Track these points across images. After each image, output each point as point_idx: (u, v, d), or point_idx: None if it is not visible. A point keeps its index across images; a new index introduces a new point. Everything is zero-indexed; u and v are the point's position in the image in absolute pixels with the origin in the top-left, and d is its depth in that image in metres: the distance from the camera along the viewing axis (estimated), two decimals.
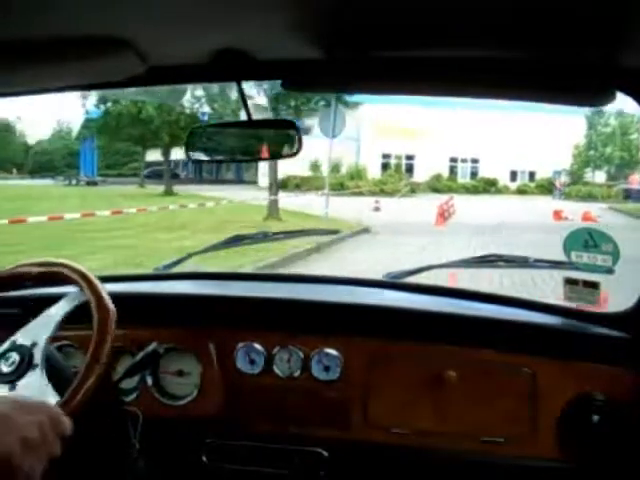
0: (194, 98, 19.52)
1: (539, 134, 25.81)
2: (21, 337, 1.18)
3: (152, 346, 1.32)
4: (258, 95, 14.69)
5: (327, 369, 1.45)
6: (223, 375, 1.48)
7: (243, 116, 1.37)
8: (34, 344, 1.16)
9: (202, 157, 1.44)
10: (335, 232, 2.23)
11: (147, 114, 19.72)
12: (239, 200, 13.82)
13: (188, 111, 20.17)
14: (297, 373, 1.47)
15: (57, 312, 1.22)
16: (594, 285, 1.42)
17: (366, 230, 11.60)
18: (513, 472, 1.40)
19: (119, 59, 1.11)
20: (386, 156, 27.70)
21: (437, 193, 22.91)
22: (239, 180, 28.38)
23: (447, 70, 1.18)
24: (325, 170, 21.82)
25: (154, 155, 25.77)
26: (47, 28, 0.99)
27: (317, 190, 17.56)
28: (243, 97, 1.31)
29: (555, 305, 1.53)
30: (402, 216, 13.73)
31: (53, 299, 1.58)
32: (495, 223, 12.11)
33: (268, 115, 14.00)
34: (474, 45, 1.12)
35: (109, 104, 21.07)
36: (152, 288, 1.71)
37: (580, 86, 1.14)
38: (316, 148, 21.19)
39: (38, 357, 1.15)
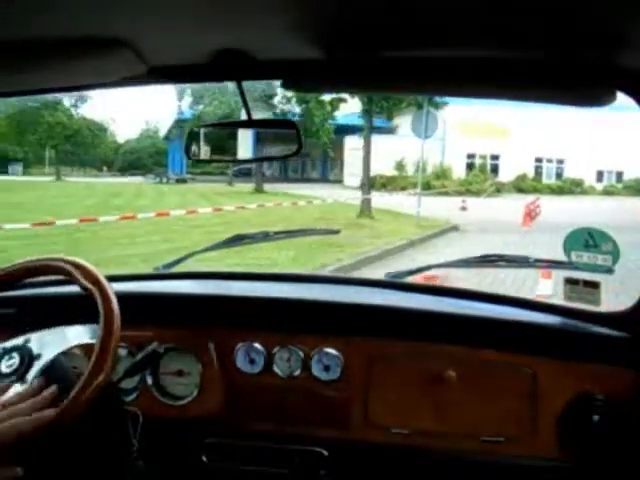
0: (284, 98, 20.24)
1: (626, 133, 24.69)
2: (31, 342, 1.17)
3: (152, 346, 1.32)
4: (352, 98, 15.29)
5: (327, 369, 1.45)
6: (223, 375, 1.48)
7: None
8: (39, 355, 1.16)
9: (202, 157, 1.44)
10: (336, 232, 2.21)
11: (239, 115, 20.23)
12: (331, 199, 14.30)
13: (279, 111, 20.81)
14: (297, 373, 1.47)
15: (74, 338, 1.20)
16: (594, 285, 1.42)
17: (455, 228, 11.92)
18: (513, 472, 1.40)
19: (119, 59, 1.11)
20: (471, 156, 27.50)
21: (522, 193, 22.62)
22: (324, 179, 28.45)
23: (447, 70, 1.18)
24: (410, 170, 22.00)
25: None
26: (47, 28, 0.99)
27: (402, 189, 18.05)
28: (243, 97, 1.31)
29: (555, 305, 1.53)
30: (488, 215, 13.92)
31: (53, 299, 1.59)
32: (582, 223, 12.05)
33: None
34: (474, 45, 1.12)
35: (201, 106, 21.59)
36: (152, 288, 1.71)
37: (580, 86, 1.14)
38: (402, 148, 21.23)
39: (35, 370, 1.15)
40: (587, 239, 1.42)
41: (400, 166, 23.53)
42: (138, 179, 26.51)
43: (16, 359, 1.15)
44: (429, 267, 1.77)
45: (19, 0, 0.87)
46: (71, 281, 1.23)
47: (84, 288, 1.19)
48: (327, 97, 19.08)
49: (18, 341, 1.18)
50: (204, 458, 1.48)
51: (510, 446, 1.38)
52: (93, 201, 15.85)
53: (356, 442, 1.45)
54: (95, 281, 1.20)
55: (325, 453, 1.43)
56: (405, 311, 1.51)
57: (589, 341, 1.43)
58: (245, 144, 1.39)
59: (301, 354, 1.46)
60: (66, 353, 1.42)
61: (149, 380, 1.49)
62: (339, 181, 25.28)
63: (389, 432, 1.42)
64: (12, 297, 1.45)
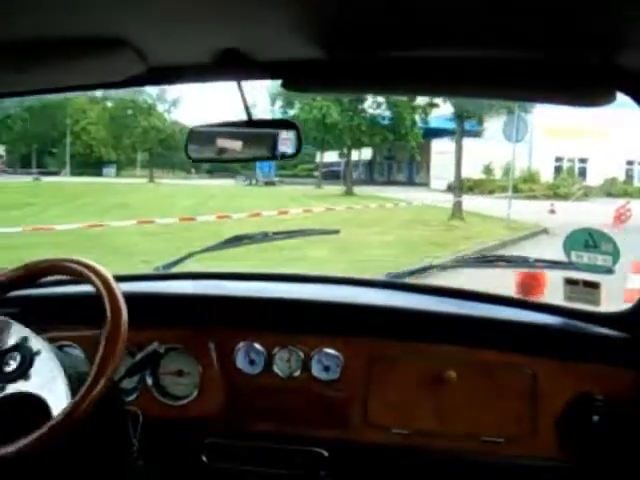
0: (374, 103, 20.59)
1: None
2: (30, 340, 1.18)
3: (152, 346, 1.32)
4: (444, 103, 15.51)
5: (327, 369, 1.45)
6: (223, 375, 1.48)
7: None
8: (39, 351, 1.16)
9: (202, 157, 1.44)
10: (336, 232, 2.21)
11: (332, 119, 20.69)
12: (418, 201, 14.49)
13: (369, 115, 21.20)
14: (297, 373, 1.47)
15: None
16: (594, 285, 1.42)
17: (545, 231, 11.93)
18: (513, 472, 1.40)
19: (119, 59, 1.11)
20: (559, 159, 26.73)
21: (611, 197, 21.65)
22: (410, 182, 28.49)
23: (447, 70, 1.18)
24: (497, 173, 21.96)
25: (326, 157, 26.56)
26: (48, 28, 0.99)
27: (490, 193, 17.99)
28: (243, 97, 1.31)
29: (555, 305, 1.53)
30: (577, 219, 13.80)
31: (54, 299, 1.59)
32: None
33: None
34: (474, 45, 1.12)
35: (292, 111, 22.02)
36: (152, 288, 1.71)
37: (580, 86, 1.14)
38: (488, 151, 21.11)
39: (37, 344, 1.16)
40: (587, 239, 1.42)
41: (488, 169, 23.27)
42: (228, 182, 26.79)
43: (17, 358, 1.15)
44: (430, 267, 1.77)
45: (19, 0, 0.87)
46: (73, 281, 1.24)
47: (96, 288, 1.20)
48: (420, 101, 19.39)
49: (17, 340, 1.18)
50: (204, 458, 1.48)
51: (510, 446, 1.38)
52: (192, 202, 15.99)
53: (356, 442, 1.45)
54: (105, 282, 1.20)
55: (325, 453, 1.43)
56: (405, 311, 1.51)
57: (589, 341, 1.43)
58: (246, 144, 1.38)
59: (301, 354, 1.46)
60: (66, 353, 1.42)
61: (149, 380, 1.49)
62: (425, 184, 25.06)
63: (389, 432, 1.42)
64: (15, 297, 1.45)
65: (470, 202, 14.68)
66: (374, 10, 0.96)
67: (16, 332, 1.20)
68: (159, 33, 1.07)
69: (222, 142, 1.41)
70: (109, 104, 28.60)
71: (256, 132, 1.37)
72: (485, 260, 1.72)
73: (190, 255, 1.88)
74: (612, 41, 1.03)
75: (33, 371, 1.14)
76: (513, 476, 1.41)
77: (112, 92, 25.92)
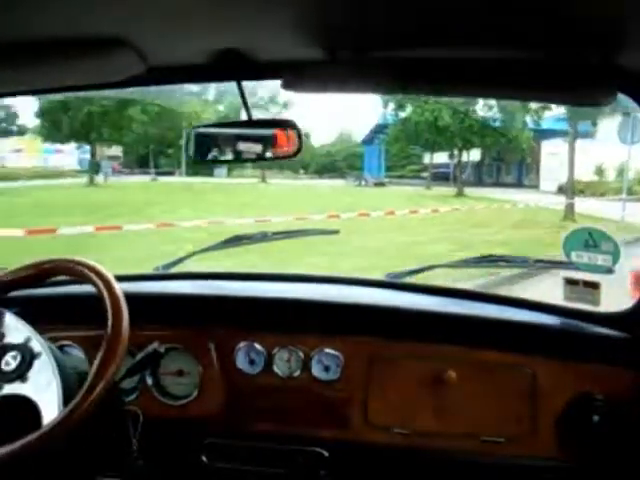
0: (485, 106, 20.57)
1: None
2: (32, 341, 1.18)
3: (152, 346, 1.32)
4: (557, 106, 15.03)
5: (327, 369, 1.45)
6: (223, 375, 1.48)
7: None
8: (39, 354, 1.16)
9: (202, 157, 1.44)
10: (335, 232, 2.22)
11: (444, 122, 20.75)
12: (530, 203, 14.62)
13: (480, 117, 21.18)
14: (297, 373, 1.47)
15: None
16: (594, 285, 1.42)
17: None
18: (513, 472, 1.40)
19: (119, 59, 1.11)
20: None
21: None
22: (519, 183, 28.31)
23: (447, 70, 1.18)
24: (610, 175, 21.49)
25: (429, 157, 26.56)
26: (47, 28, 0.99)
27: (601, 195, 17.66)
28: (243, 97, 1.31)
29: (555, 305, 1.53)
30: None
31: (54, 299, 1.59)
32: None
33: None
34: (474, 45, 1.12)
35: (404, 113, 22.12)
36: (152, 288, 1.71)
37: (580, 86, 1.14)
38: (599, 153, 20.73)
39: (38, 346, 1.16)
40: (587, 239, 1.42)
41: (600, 171, 22.69)
42: (337, 182, 26.93)
43: (17, 358, 1.15)
44: (430, 267, 1.77)
45: (20, 0, 0.87)
46: (73, 281, 1.24)
47: (98, 290, 1.20)
48: (533, 104, 18.95)
49: (19, 340, 1.18)
50: (204, 458, 1.48)
51: (510, 446, 1.38)
52: (321, 201, 16.21)
53: (356, 442, 1.45)
54: (106, 283, 1.20)
55: (325, 453, 1.43)
56: (405, 311, 1.51)
57: (589, 341, 1.43)
58: (246, 144, 1.38)
59: (301, 354, 1.46)
60: (67, 353, 1.42)
61: (149, 380, 1.49)
62: (534, 186, 24.50)
63: (389, 432, 1.42)
64: (16, 297, 1.45)
65: (581, 204, 14.60)
66: (374, 10, 0.96)
67: (20, 330, 1.19)
68: (159, 33, 1.07)
69: (223, 142, 1.41)
70: (221, 107, 29.21)
71: (257, 132, 1.38)
72: (486, 260, 1.72)
73: (190, 255, 1.87)
74: (612, 41, 1.03)
75: (31, 373, 1.13)
76: (513, 476, 1.41)
77: (225, 95, 26.66)
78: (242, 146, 1.39)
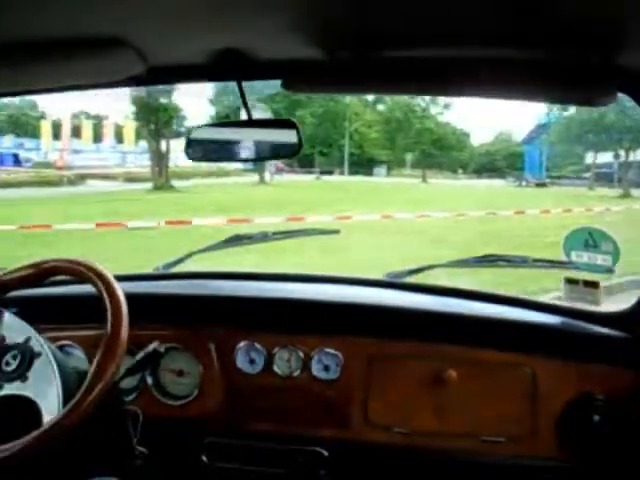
0: None
1: None
2: (32, 341, 1.18)
3: (152, 345, 1.32)
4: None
5: (327, 369, 1.45)
6: (223, 375, 1.48)
7: None
8: (39, 353, 1.16)
9: (202, 157, 1.44)
10: (335, 232, 2.23)
11: (610, 120, 20.17)
12: None
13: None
14: (297, 373, 1.47)
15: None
16: (594, 285, 1.42)
17: None
18: (513, 472, 1.40)
19: (119, 59, 1.11)
20: None
21: None
22: None
23: (447, 70, 1.18)
24: None
25: (591, 157, 26.06)
26: (47, 28, 0.99)
27: None
28: (243, 97, 1.31)
29: (555, 305, 1.53)
30: None
31: (54, 299, 1.59)
32: None
33: None
34: (474, 45, 1.12)
35: (565, 113, 21.94)
36: (152, 288, 1.71)
37: (580, 86, 1.14)
38: None
39: (38, 346, 1.16)
40: (587, 239, 1.42)
41: None
42: (497, 182, 26.79)
43: (17, 358, 1.15)
44: (430, 267, 1.77)
45: (19, 0, 0.87)
46: (73, 281, 1.23)
47: (98, 290, 1.20)
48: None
49: (19, 339, 1.18)
50: (204, 458, 1.48)
51: (510, 446, 1.38)
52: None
53: (356, 442, 1.45)
54: (106, 283, 1.20)
55: (325, 453, 1.43)
56: (405, 311, 1.51)
57: (589, 341, 1.43)
58: (247, 144, 1.38)
59: (301, 354, 1.46)
60: (67, 353, 1.42)
61: (149, 380, 1.49)
62: None
63: (389, 432, 1.42)
64: (15, 297, 1.45)
65: None
66: (374, 10, 0.96)
67: (20, 330, 1.20)
68: (159, 33, 1.07)
69: (223, 142, 1.41)
70: (380, 107, 29.80)
71: (257, 132, 1.38)
72: (486, 260, 1.72)
73: (190, 255, 1.88)
74: (612, 41, 1.03)
75: (31, 373, 1.14)
76: (513, 476, 1.41)
77: (382, 98, 27.24)
78: (242, 146, 1.39)
